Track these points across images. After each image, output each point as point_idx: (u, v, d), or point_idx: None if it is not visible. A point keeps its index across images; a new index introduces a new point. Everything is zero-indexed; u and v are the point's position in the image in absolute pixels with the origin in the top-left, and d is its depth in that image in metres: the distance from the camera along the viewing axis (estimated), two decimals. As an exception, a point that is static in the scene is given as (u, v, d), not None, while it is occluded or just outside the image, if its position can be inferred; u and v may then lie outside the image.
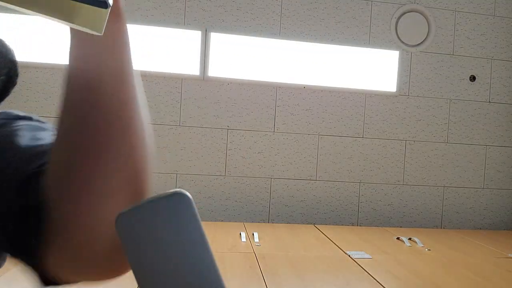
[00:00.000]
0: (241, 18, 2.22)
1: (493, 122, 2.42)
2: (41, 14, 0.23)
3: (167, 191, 0.23)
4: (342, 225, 2.29)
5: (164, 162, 2.17)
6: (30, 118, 0.46)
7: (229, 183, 2.22)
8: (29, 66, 2.05)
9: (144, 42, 2.14)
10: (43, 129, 0.44)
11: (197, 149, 2.20)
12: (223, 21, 2.21)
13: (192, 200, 0.23)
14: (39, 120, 0.47)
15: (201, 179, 2.20)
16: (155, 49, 2.15)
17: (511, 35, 2.43)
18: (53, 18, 0.24)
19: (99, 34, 0.25)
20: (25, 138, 0.40)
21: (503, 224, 2.42)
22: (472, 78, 2.39)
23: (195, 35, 2.17)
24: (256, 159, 2.24)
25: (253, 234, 1.79)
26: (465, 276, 1.39)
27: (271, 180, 2.25)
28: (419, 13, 2.35)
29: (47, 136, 0.42)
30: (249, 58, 2.22)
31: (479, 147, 2.41)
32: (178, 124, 2.19)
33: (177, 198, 0.23)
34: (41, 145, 0.40)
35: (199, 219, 0.23)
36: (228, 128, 2.22)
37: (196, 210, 0.23)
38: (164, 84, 2.17)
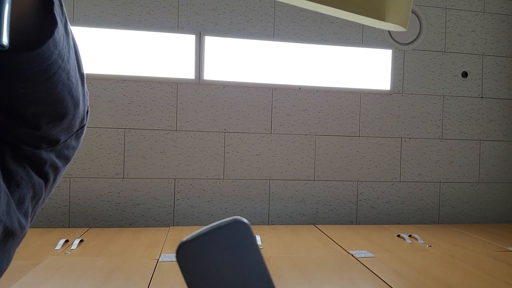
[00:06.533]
0: (234, 21, 2.22)
1: (486, 117, 2.45)
2: (352, 15, 0.20)
3: (225, 219, 0.23)
4: (342, 224, 2.31)
5: (162, 167, 2.16)
6: None
7: (228, 186, 2.22)
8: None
9: (138, 47, 2.12)
10: None
11: (194, 153, 2.19)
12: (216, 24, 2.21)
13: (250, 226, 0.23)
14: None
15: (199, 183, 2.19)
16: (150, 54, 2.14)
17: (501, 31, 2.47)
18: (363, 17, 0.20)
19: (405, 30, 0.22)
20: None
21: (499, 217, 2.46)
22: (464, 74, 2.43)
23: (189, 39, 2.17)
24: (254, 161, 2.24)
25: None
26: (469, 272, 1.41)
27: (270, 181, 2.26)
28: (410, 11, 2.37)
29: None
30: (243, 60, 2.22)
31: (473, 142, 2.44)
32: (174, 129, 2.18)
33: (237, 226, 0.23)
34: None
35: (257, 244, 0.24)
36: (225, 131, 2.22)
37: (254, 236, 0.23)
38: (159, 89, 2.16)
